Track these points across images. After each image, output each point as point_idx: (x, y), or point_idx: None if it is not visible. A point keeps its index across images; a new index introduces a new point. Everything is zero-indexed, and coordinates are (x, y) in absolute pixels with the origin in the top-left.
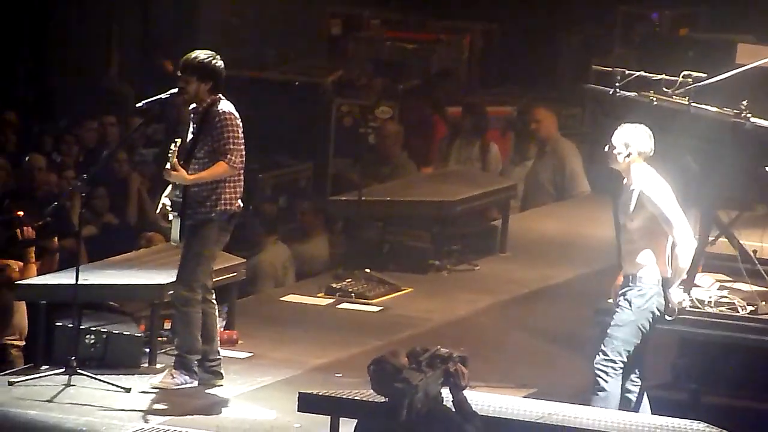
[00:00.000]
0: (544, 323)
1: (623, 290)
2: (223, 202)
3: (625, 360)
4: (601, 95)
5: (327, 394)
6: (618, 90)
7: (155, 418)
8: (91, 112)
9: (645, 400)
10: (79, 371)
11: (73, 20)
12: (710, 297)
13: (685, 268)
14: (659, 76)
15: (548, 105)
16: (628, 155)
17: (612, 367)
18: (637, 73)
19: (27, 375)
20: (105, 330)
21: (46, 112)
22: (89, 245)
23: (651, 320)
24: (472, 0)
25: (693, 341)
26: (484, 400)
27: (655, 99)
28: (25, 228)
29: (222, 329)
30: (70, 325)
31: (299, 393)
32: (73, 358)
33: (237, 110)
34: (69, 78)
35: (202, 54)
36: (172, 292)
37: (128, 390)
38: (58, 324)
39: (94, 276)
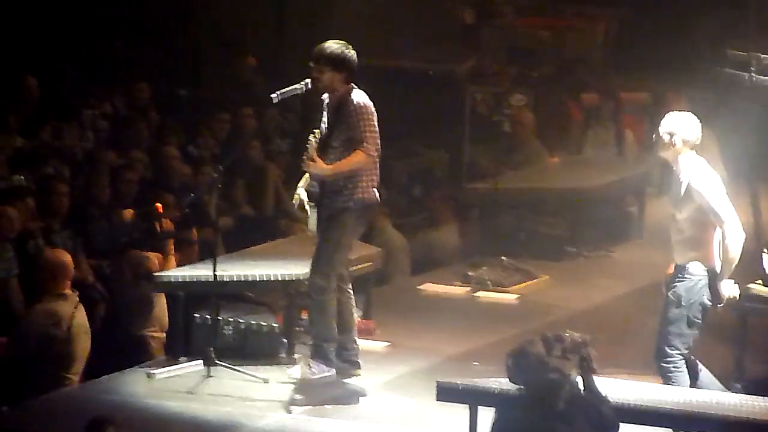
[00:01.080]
0: None
1: (673, 282)
2: (359, 190)
3: (685, 352)
4: (737, 80)
5: (465, 383)
6: (754, 75)
7: (294, 409)
8: (225, 105)
9: (705, 372)
10: (217, 362)
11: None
12: None
13: (735, 261)
14: None
15: (683, 90)
16: (674, 144)
17: (674, 364)
18: None
19: (166, 367)
20: (243, 321)
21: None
22: (226, 237)
23: (701, 312)
24: None
25: None
26: (624, 387)
27: None
28: (164, 220)
29: (359, 319)
30: (209, 317)
31: (437, 382)
32: (212, 349)
33: (371, 100)
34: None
35: (334, 44)
36: (308, 281)
37: (266, 381)
38: (196, 316)
39: (231, 267)
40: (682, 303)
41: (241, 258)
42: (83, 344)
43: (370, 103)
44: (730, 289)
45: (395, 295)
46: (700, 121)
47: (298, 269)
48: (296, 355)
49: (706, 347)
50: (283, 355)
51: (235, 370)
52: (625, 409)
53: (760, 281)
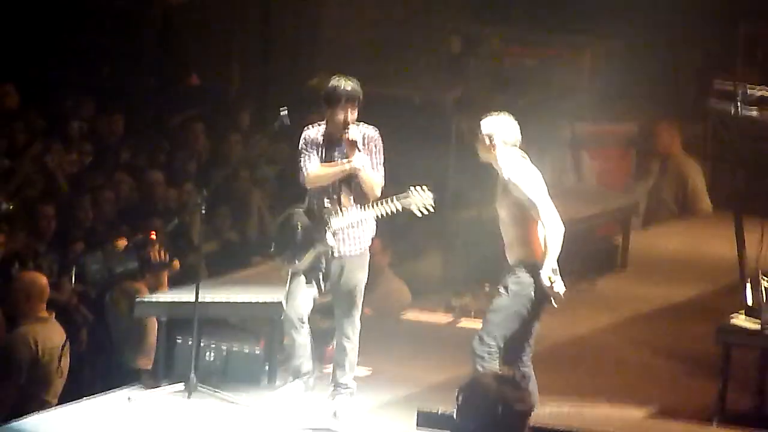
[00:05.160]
0: (665, 341)
1: (504, 278)
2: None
3: (501, 345)
4: (723, 113)
5: (445, 411)
6: (740, 108)
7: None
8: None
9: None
10: (199, 386)
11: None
12: None
13: (555, 252)
14: None
15: (670, 122)
16: (494, 145)
17: (488, 352)
18: (760, 89)
19: (147, 390)
20: (225, 346)
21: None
22: (210, 262)
23: (529, 307)
24: (595, 16)
25: None
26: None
27: None
28: (158, 249)
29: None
30: (191, 341)
31: (418, 410)
32: (193, 373)
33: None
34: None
35: (354, 80)
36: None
37: (248, 406)
38: (178, 339)
39: (214, 293)
40: (509, 294)
41: (224, 282)
42: (59, 366)
43: None
44: (556, 285)
45: (378, 322)
46: (689, 153)
47: (280, 295)
48: (278, 381)
49: (688, 380)
50: (265, 381)
51: (215, 393)
52: None
53: (742, 312)
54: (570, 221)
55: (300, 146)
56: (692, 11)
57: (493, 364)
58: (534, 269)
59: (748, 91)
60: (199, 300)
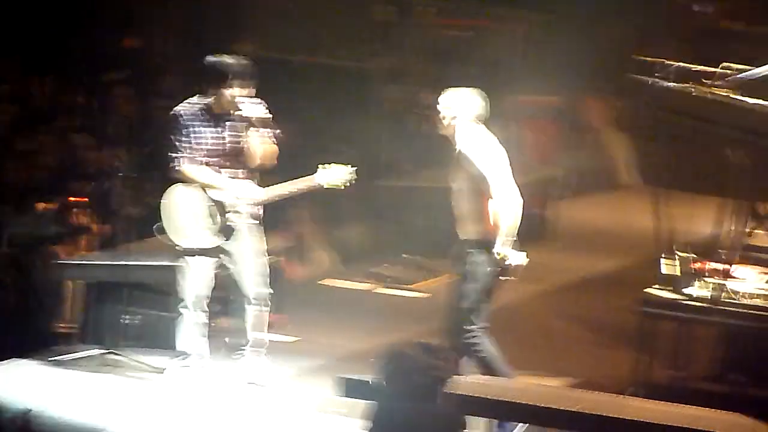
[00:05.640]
0: (588, 312)
1: (461, 258)
2: None
3: (483, 326)
4: (642, 86)
5: (363, 377)
6: (657, 80)
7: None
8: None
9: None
10: (112, 351)
11: None
12: (751, 289)
13: (510, 226)
14: (699, 67)
15: (600, 95)
16: (453, 118)
17: (476, 335)
18: (677, 64)
19: (64, 355)
20: (146, 311)
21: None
22: (136, 226)
23: (490, 281)
24: None
25: (738, 333)
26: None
27: (694, 90)
28: (78, 213)
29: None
30: (112, 306)
31: (338, 377)
32: (111, 337)
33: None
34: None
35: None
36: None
37: (161, 371)
38: (99, 304)
39: (137, 256)
40: (466, 279)
41: (145, 247)
42: None
43: None
44: (514, 257)
45: (294, 290)
46: (619, 127)
47: None
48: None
49: (605, 351)
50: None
51: (128, 359)
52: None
53: (657, 285)
54: None
55: (175, 126)
56: None
57: (487, 342)
58: (487, 246)
59: (667, 66)
60: (119, 263)
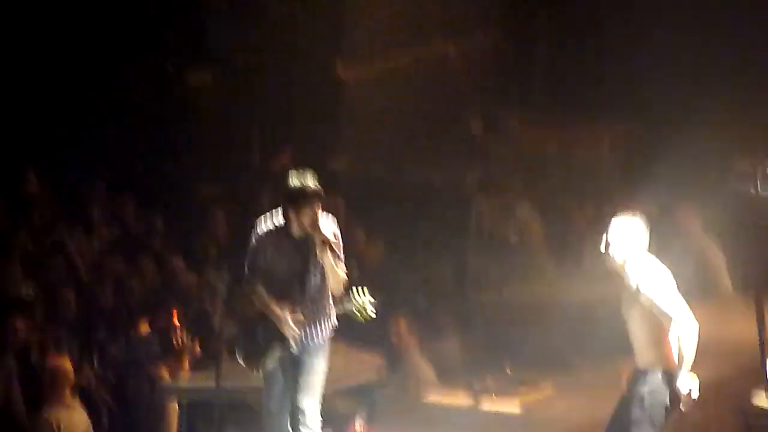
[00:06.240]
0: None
1: (635, 385)
2: None
3: None
4: (743, 193)
5: None
6: (759, 188)
7: None
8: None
9: None
10: None
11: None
12: None
13: (690, 356)
14: None
15: (690, 202)
16: (625, 251)
17: None
18: None
19: None
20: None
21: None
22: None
23: (664, 414)
24: (616, 101)
25: None
26: None
27: None
28: (180, 335)
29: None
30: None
31: None
32: None
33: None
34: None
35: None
36: None
37: None
38: (199, 425)
39: (234, 378)
40: (645, 405)
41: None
42: None
43: None
44: (688, 386)
45: (397, 403)
46: (709, 233)
47: None
48: None
49: None
50: None
51: None
52: None
53: (763, 394)
54: (589, 302)
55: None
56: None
57: None
58: (668, 375)
59: None
60: (220, 385)
